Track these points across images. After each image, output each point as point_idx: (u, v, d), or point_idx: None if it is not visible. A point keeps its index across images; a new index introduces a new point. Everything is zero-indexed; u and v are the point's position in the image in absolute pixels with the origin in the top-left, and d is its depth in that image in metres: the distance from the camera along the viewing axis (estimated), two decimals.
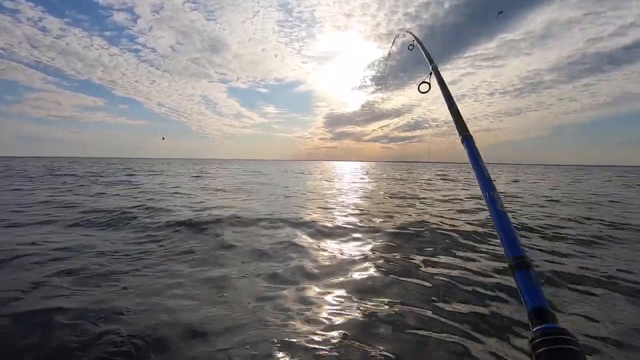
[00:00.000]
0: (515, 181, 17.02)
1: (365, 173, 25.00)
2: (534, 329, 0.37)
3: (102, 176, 14.66)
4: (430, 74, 1.07)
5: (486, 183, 0.57)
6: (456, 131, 0.76)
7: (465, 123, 0.77)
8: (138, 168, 25.75)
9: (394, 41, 1.95)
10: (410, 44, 1.49)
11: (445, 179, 17.38)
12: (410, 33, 1.54)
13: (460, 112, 0.82)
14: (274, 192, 9.41)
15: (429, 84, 1.09)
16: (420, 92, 1.12)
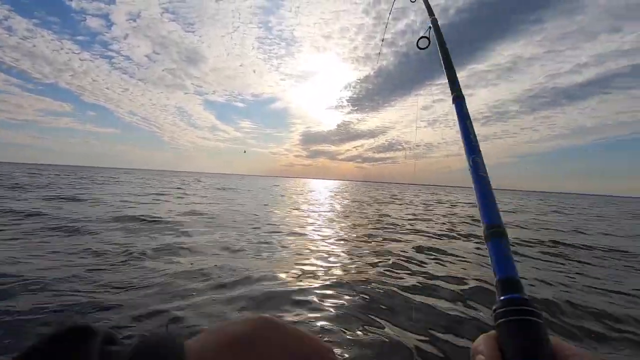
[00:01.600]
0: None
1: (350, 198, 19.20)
2: (498, 299, 0.35)
3: None
4: (430, 28, 1.00)
5: (471, 146, 0.54)
6: (448, 90, 0.69)
7: (460, 84, 0.70)
8: (100, 179, 23.60)
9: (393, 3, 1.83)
10: None
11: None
12: None
13: (456, 72, 0.75)
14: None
15: (429, 39, 1.01)
16: (420, 47, 1.03)
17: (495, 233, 0.42)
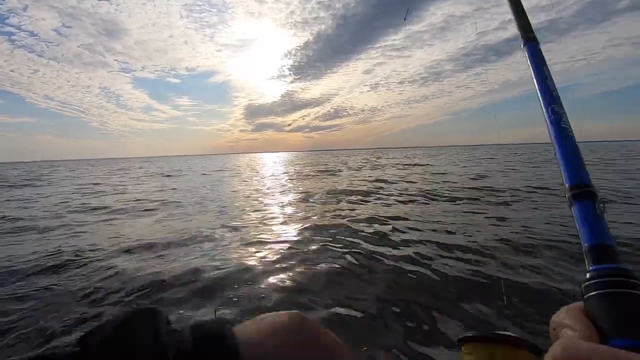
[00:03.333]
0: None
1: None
2: (590, 269, 0.31)
3: None
4: None
5: (550, 95, 0.47)
6: (519, 34, 0.57)
7: (530, 22, 0.57)
8: None
9: None
10: None
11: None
12: None
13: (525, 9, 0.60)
14: None
15: None
16: None
17: (583, 194, 0.37)
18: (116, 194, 9.44)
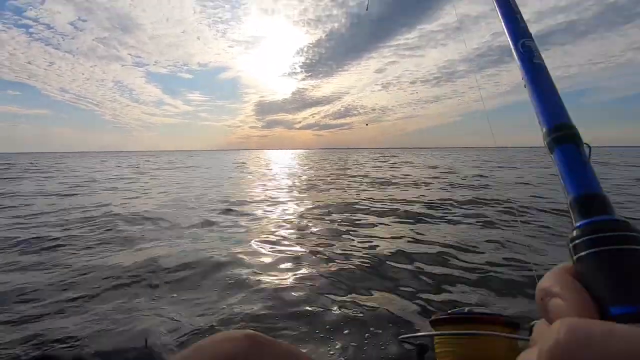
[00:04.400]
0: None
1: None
2: (577, 224, 0.24)
3: None
4: None
5: (516, 29, 0.40)
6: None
7: None
8: None
9: None
10: None
11: None
12: None
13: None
14: None
15: None
16: None
17: (563, 137, 0.30)
18: None
